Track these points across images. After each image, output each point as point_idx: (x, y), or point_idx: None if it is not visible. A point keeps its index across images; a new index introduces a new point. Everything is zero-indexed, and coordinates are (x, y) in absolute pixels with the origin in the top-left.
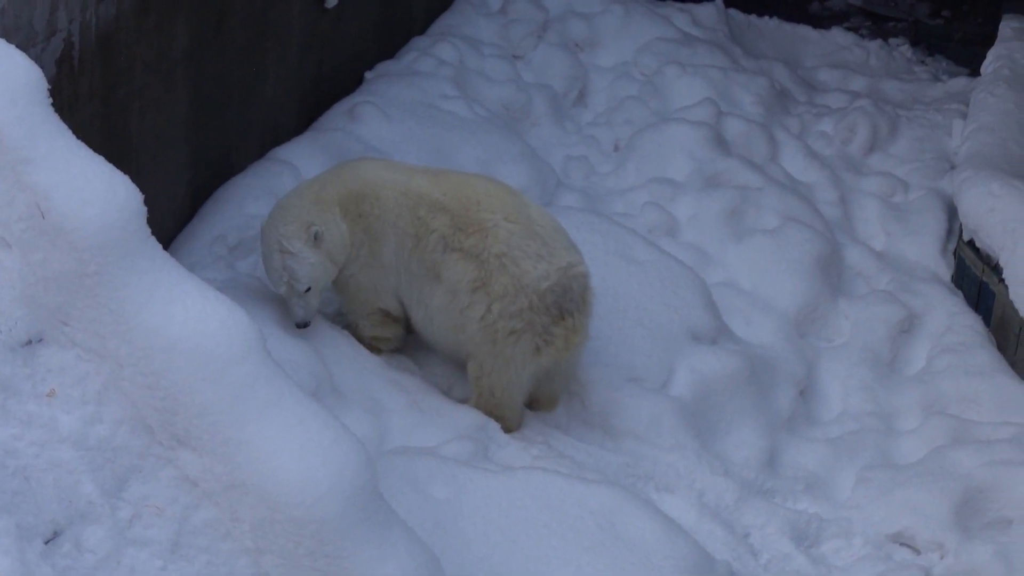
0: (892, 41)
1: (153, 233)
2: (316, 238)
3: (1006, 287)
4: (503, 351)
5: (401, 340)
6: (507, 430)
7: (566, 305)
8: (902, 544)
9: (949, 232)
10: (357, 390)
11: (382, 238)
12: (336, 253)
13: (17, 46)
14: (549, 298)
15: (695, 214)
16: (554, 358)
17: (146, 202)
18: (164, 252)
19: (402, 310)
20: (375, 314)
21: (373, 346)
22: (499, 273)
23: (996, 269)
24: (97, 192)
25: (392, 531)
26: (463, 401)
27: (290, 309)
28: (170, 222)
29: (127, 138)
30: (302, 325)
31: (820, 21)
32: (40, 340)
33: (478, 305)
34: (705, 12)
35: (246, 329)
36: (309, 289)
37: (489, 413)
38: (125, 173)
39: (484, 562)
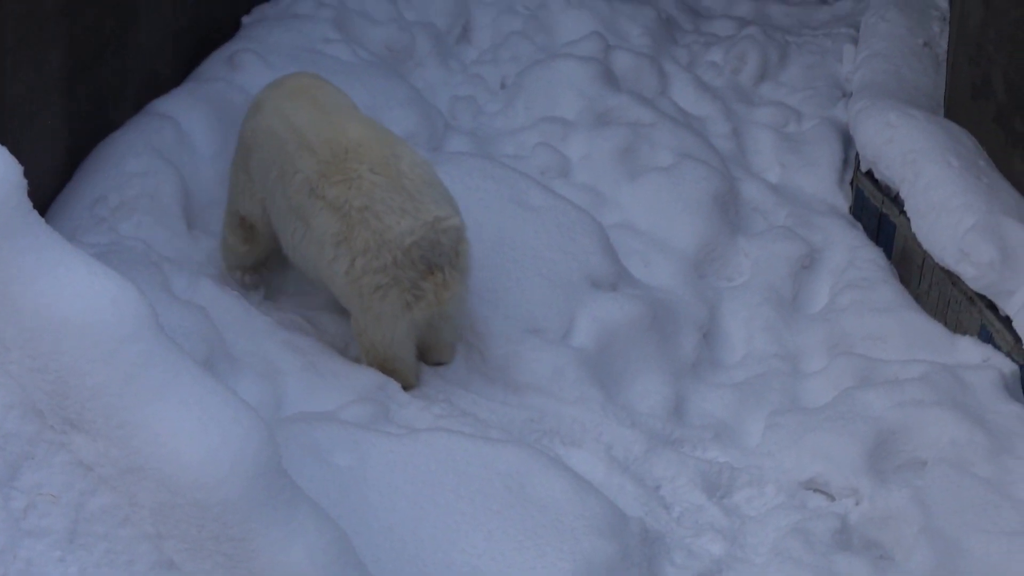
0: None
1: (31, 196)
2: None
3: (907, 219)
4: (371, 306)
5: (249, 262)
6: (405, 386)
7: (435, 260)
8: (816, 491)
9: (845, 162)
10: (250, 353)
11: (248, 150)
12: None
13: None
14: (415, 253)
15: (587, 153)
16: (427, 312)
17: (22, 163)
18: (48, 227)
19: (264, 228)
20: (234, 215)
21: (224, 254)
22: (361, 227)
23: (896, 200)
24: None
25: (299, 509)
26: (358, 359)
27: None
28: (48, 183)
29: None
30: None
31: None
32: None
33: (342, 259)
34: None
35: (137, 306)
36: None
37: (381, 369)
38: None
39: (392, 532)
